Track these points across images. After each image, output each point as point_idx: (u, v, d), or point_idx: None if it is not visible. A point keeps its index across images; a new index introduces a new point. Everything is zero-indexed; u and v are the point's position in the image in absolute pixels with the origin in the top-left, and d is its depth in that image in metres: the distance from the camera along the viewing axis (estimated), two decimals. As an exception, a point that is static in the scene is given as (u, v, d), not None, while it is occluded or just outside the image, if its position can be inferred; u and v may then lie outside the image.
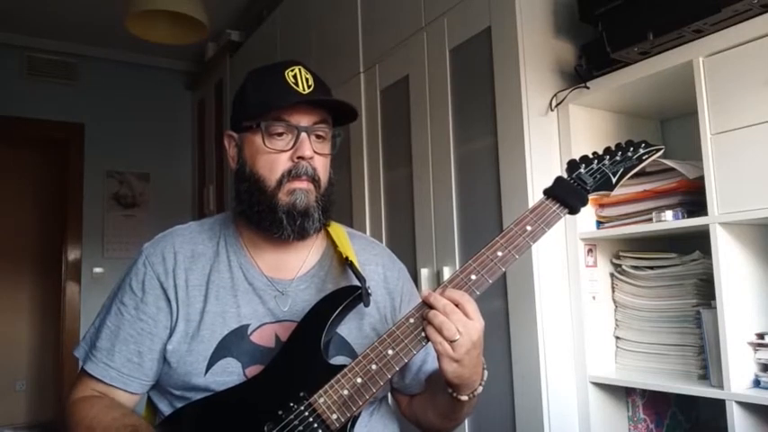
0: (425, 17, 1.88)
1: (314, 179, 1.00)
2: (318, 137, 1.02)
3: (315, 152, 1.00)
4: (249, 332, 0.98)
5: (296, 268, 1.05)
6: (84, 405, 0.97)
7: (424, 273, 1.81)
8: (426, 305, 0.88)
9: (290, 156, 0.98)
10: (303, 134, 0.98)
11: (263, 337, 0.99)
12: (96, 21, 3.54)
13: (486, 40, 1.64)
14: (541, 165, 1.53)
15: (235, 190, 1.03)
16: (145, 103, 4.15)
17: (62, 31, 3.71)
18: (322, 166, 1.02)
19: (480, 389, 0.95)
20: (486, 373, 0.96)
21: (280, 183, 0.98)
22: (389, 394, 1.14)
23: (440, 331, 0.85)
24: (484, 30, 1.65)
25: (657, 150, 1.04)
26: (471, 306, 0.87)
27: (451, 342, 0.85)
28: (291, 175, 0.98)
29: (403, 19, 1.97)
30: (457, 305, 0.86)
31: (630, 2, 1.38)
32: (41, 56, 3.83)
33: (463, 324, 0.85)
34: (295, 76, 0.99)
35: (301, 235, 1.00)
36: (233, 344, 0.97)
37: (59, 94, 3.89)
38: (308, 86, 0.99)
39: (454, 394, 0.94)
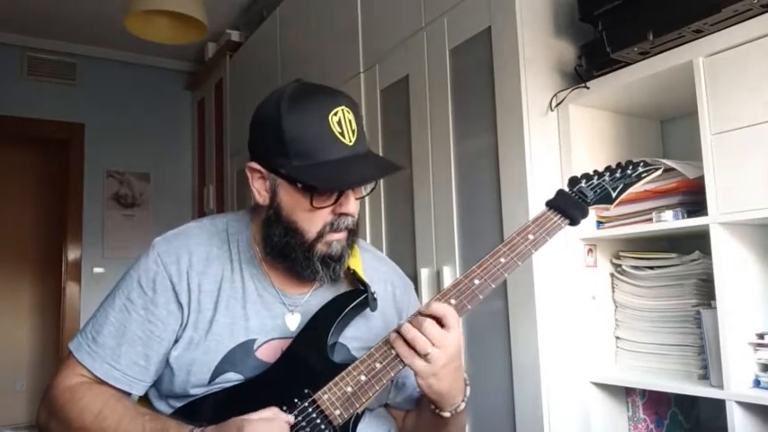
0: (425, 17, 1.88)
1: (350, 229, 0.98)
2: None
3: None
4: (255, 347, 0.97)
5: (308, 284, 1.03)
6: (87, 392, 0.94)
7: (424, 273, 1.81)
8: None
9: (332, 209, 0.95)
10: (348, 190, 0.95)
11: (268, 353, 0.97)
12: (96, 21, 3.54)
13: (486, 40, 1.64)
14: (541, 165, 1.53)
15: (264, 232, 0.99)
16: (145, 103, 4.14)
17: (62, 31, 3.71)
18: (357, 209, 0.99)
19: (463, 405, 0.96)
20: (468, 389, 0.97)
21: (320, 235, 0.95)
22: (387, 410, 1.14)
23: (413, 347, 0.86)
24: (484, 30, 1.65)
25: (656, 170, 1.08)
26: (453, 318, 0.87)
27: (424, 355, 0.85)
28: (333, 228, 0.95)
29: (403, 19, 1.97)
30: (441, 318, 0.87)
31: (630, 2, 1.38)
32: (41, 56, 3.82)
33: (440, 336, 0.86)
34: (340, 122, 0.92)
35: (334, 279, 0.99)
36: (238, 358, 0.96)
37: (59, 94, 3.89)
38: (353, 133, 0.93)
39: (436, 411, 0.95)
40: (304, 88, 0.96)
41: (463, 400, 0.96)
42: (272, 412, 0.86)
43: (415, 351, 0.86)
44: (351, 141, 0.93)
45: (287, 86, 0.97)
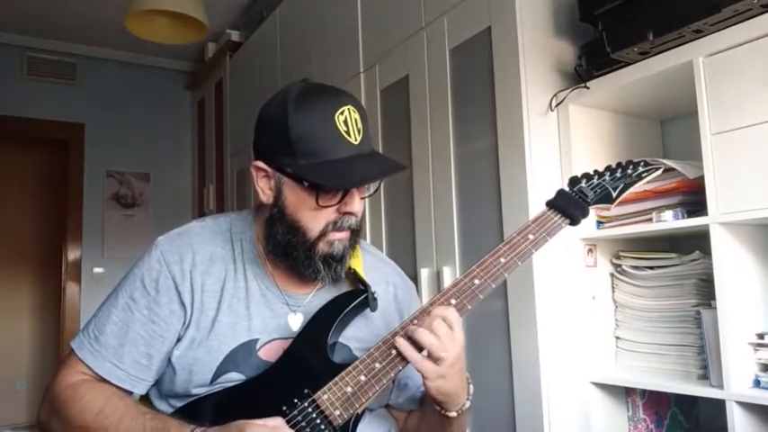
0: (425, 17, 1.88)
1: (353, 229, 0.98)
2: None
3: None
4: (257, 347, 0.97)
5: (311, 284, 1.03)
6: (88, 390, 0.94)
7: (424, 273, 1.81)
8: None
9: (336, 208, 0.95)
10: (353, 189, 0.95)
11: (270, 353, 0.97)
12: (96, 21, 3.54)
13: (486, 40, 1.64)
14: (541, 165, 1.53)
15: (267, 230, 0.99)
16: (145, 104, 4.14)
17: (62, 31, 3.71)
18: (362, 208, 0.99)
19: (468, 403, 0.96)
20: (471, 387, 0.97)
21: (323, 233, 0.95)
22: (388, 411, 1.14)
23: (429, 351, 0.86)
24: (484, 30, 1.65)
25: (656, 169, 1.09)
26: (456, 319, 0.88)
27: (437, 359, 0.86)
28: (336, 226, 0.95)
29: (403, 19, 1.97)
30: (444, 319, 0.87)
31: (630, 2, 1.38)
32: (41, 56, 3.82)
33: (451, 339, 0.86)
34: (346, 122, 0.92)
35: (335, 279, 0.99)
36: (240, 358, 0.96)
37: (59, 94, 3.89)
38: (358, 132, 0.94)
39: (442, 411, 0.95)
40: (310, 88, 0.97)
41: (468, 399, 0.96)
42: (276, 422, 0.85)
43: (430, 355, 0.86)
44: (356, 140, 0.93)
45: (293, 86, 0.97)
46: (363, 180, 0.95)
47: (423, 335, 0.86)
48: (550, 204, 1.00)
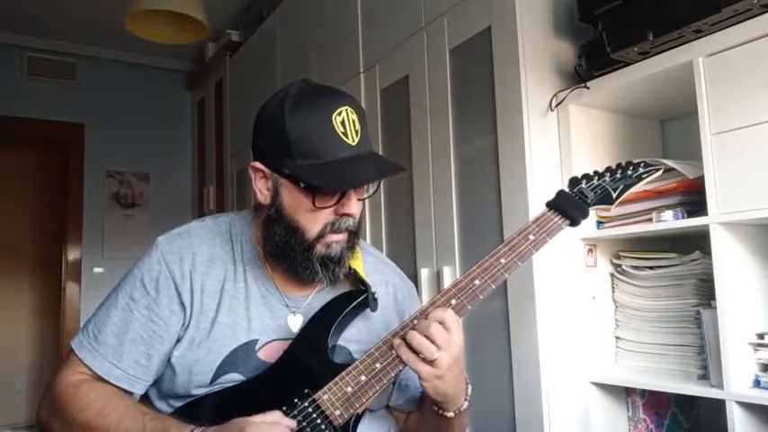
0: (425, 17, 1.88)
1: (351, 231, 0.97)
2: None
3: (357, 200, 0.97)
4: (257, 348, 0.97)
5: (311, 286, 1.03)
6: (89, 389, 0.94)
7: (424, 273, 1.81)
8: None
9: (334, 209, 0.95)
10: (350, 191, 0.95)
11: (270, 354, 0.97)
12: (96, 21, 3.54)
13: (486, 40, 1.64)
14: (541, 165, 1.53)
15: (265, 231, 0.99)
16: (145, 104, 4.14)
17: (62, 31, 3.71)
18: (359, 210, 0.99)
19: (466, 404, 0.96)
20: (469, 388, 0.97)
21: (320, 235, 0.95)
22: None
23: (419, 353, 0.86)
24: (484, 30, 1.65)
25: (656, 170, 1.09)
26: (453, 320, 0.88)
27: (431, 361, 0.86)
28: (334, 228, 0.95)
29: (403, 19, 1.97)
30: (442, 321, 0.87)
31: (630, 2, 1.38)
32: (41, 56, 3.82)
33: (444, 339, 0.86)
34: (343, 122, 0.92)
35: (333, 281, 0.99)
36: (240, 359, 0.96)
37: (59, 94, 3.89)
38: (356, 133, 0.93)
39: (440, 411, 0.95)
40: (308, 88, 0.96)
41: (466, 400, 0.96)
42: (275, 416, 0.86)
43: (422, 357, 0.86)
44: (354, 141, 0.93)
45: (291, 86, 0.97)
46: (360, 181, 0.94)
47: (416, 338, 0.86)
48: (550, 205, 1.00)
